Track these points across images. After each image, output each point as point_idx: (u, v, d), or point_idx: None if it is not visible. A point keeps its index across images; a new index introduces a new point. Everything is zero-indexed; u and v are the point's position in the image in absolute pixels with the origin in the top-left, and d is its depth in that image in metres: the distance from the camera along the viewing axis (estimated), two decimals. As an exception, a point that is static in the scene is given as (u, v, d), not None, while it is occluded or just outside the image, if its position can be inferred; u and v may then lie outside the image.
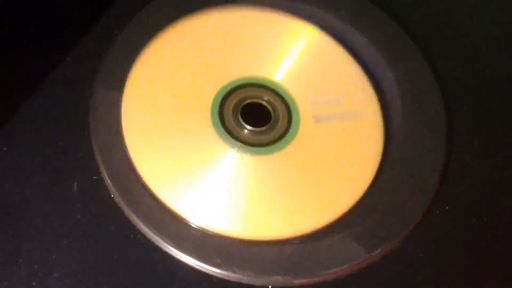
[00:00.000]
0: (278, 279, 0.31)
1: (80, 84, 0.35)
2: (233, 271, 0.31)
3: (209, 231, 0.32)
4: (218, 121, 0.34)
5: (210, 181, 0.33)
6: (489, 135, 0.37)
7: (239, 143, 0.34)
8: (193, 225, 0.32)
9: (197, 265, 0.31)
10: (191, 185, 0.33)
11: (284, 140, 0.34)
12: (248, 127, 0.35)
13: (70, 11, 0.39)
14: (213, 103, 0.35)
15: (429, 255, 0.33)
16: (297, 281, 0.32)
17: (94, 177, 0.33)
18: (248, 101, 0.36)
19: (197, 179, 0.33)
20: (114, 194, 0.33)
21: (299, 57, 0.37)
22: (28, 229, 0.31)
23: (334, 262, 0.32)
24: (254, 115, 0.35)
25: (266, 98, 0.35)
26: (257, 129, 0.35)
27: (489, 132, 0.37)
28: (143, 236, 0.32)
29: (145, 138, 0.34)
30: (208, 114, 0.35)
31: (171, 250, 0.31)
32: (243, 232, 0.32)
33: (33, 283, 0.30)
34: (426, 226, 0.34)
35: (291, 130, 0.35)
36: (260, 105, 0.36)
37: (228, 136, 0.34)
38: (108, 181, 0.33)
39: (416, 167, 0.35)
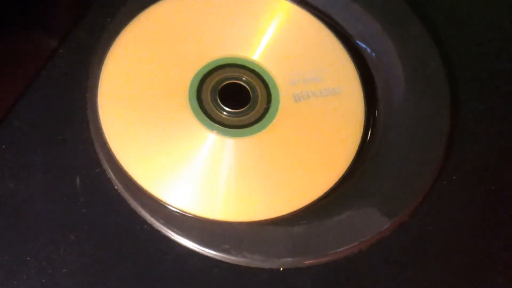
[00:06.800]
0: (288, 261, 0.31)
1: (75, 76, 0.35)
2: (243, 256, 0.31)
3: (206, 218, 0.31)
4: (196, 105, 0.34)
5: (196, 168, 0.32)
6: (494, 101, 0.36)
7: (217, 126, 0.33)
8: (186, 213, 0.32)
9: (207, 252, 0.31)
10: (177, 175, 0.32)
11: (264, 120, 0.34)
12: (227, 109, 0.34)
13: (59, 2, 0.38)
14: (190, 87, 0.34)
15: (438, 227, 0.33)
16: (307, 262, 0.32)
17: (96, 170, 0.33)
18: (226, 82, 0.35)
19: (183, 168, 0.32)
20: (118, 186, 0.32)
21: (276, 35, 0.36)
22: (34, 227, 0.31)
23: (343, 241, 0.32)
24: (233, 96, 0.34)
25: (244, 78, 0.35)
26: (236, 110, 0.34)
27: (494, 98, 0.37)
28: (150, 226, 0.32)
29: (123, 127, 0.33)
30: (186, 98, 0.34)
31: (180, 239, 0.31)
32: (240, 216, 0.32)
33: (43, 280, 0.30)
34: (434, 197, 0.34)
35: (271, 110, 0.34)
36: (238, 85, 0.35)
37: (207, 119, 0.34)
38: (110, 173, 0.32)
39: (421, 137, 0.35)
